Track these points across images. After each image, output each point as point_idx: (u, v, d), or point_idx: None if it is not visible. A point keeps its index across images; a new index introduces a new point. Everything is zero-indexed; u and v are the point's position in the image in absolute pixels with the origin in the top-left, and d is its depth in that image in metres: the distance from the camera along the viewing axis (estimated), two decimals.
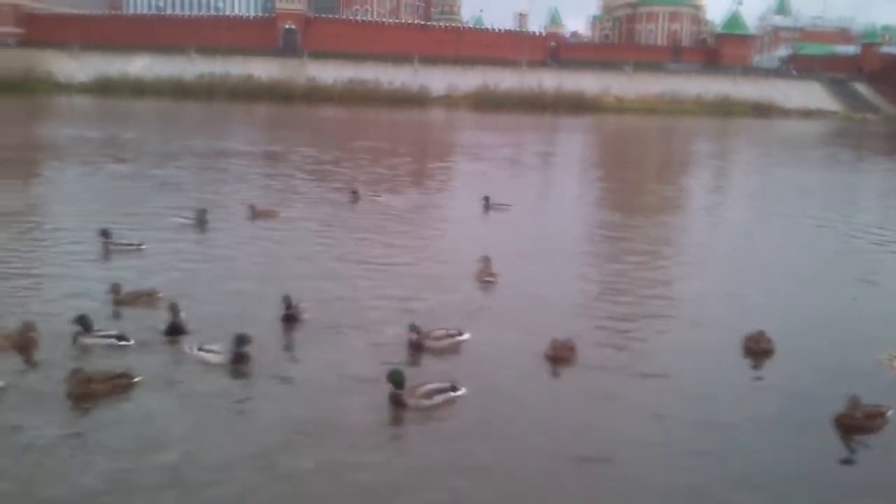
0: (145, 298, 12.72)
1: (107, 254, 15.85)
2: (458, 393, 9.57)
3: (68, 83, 79.16)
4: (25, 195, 23.40)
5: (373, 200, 23.12)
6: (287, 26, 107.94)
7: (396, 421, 9.11)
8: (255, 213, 19.80)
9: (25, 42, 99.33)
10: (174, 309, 11.40)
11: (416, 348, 11.21)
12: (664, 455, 8.56)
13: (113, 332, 10.95)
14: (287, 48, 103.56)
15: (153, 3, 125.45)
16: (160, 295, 12.76)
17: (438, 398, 9.43)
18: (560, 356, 10.90)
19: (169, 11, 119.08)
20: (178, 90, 78.69)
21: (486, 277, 15.01)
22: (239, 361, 10.21)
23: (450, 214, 22.38)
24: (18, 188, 24.66)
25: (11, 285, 13.53)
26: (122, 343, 10.80)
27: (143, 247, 16.26)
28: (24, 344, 10.52)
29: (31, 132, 42.58)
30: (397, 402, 9.27)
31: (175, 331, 11.26)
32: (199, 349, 10.43)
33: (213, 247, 16.99)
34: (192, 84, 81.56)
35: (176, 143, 38.55)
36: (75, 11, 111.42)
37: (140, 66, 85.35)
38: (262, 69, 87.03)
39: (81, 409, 9.12)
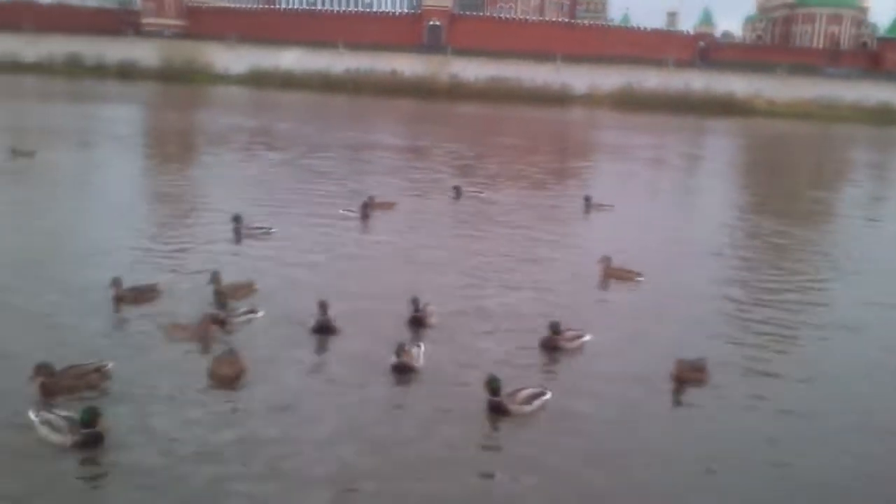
0: (244, 290, 12.71)
1: (238, 238, 16.44)
2: (548, 396, 9.41)
3: (225, 74, 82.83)
4: (184, 178, 24.75)
5: (476, 196, 23.06)
6: (432, 23, 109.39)
7: (495, 428, 9.01)
8: (371, 206, 19.78)
9: (187, 34, 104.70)
10: (323, 307, 11.32)
11: (550, 348, 11.18)
12: None
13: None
14: (431, 44, 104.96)
15: None
16: (256, 287, 12.84)
17: (536, 403, 9.29)
18: (687, 377, 10.33)
19: (320, 6, 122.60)
20: (326, 84, 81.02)
21: (621, 276, 14.95)
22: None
23: (557, 213, 22.15)
24: (179, 171, 26.11)
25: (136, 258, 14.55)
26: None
27: (273, 231, 16.87)
28: (202, 336, 10.84)
29: (192, 119, 44.90)
30: (497, 410, 9.10)
31: (323, 329, 11.25)
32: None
33: (336, 238, 17.33)
34: (338, 78, 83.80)
35: (325, 134, 39.80)
36: (233, 5, 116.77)
37: (291, 59, 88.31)
38: (407, 65, 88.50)
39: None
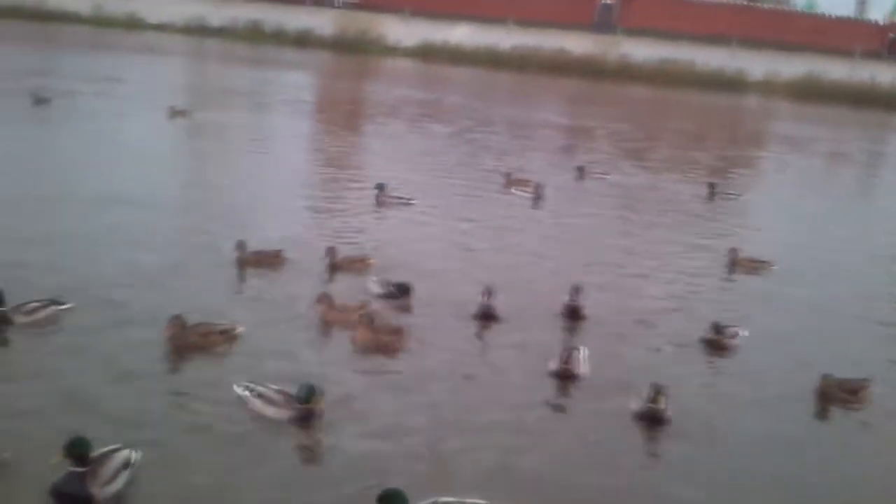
0: (358, 264, 12.80)
1: (380, 205, 17.11)
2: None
3: (395, 46, 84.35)
4: (348, 145, 25.65)
5: (600, 178, 22.57)
6: (605, 1, 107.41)
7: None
8: (508, 183, 20.22)
9: (363, 5, 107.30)
10: (488, 292, 11.08)
11: (715, 346, 10.88)
12: None
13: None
14: (602, 24, 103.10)
15: None
16: (371, 262, 12.90)
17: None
18: (836, 397, 9.52)
19: None
20: (493, 60, 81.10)
21: (752, 265, 14.66)
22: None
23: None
24: (344, 138, 27.01)
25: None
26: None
27: (413, 202, 17.39)
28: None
29: (361, 89, 46.13)
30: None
31: (486, 315, 11.11)
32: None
33: (476, 213, 17.60)
34: (506, 55, 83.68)
35: (490, 110, 40.00)
36: None
37: (461, 34, 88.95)
38: (575, 44, 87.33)
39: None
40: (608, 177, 22.94)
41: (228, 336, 9.80)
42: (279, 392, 8.26)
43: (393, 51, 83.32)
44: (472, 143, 28.01)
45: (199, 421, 8.04)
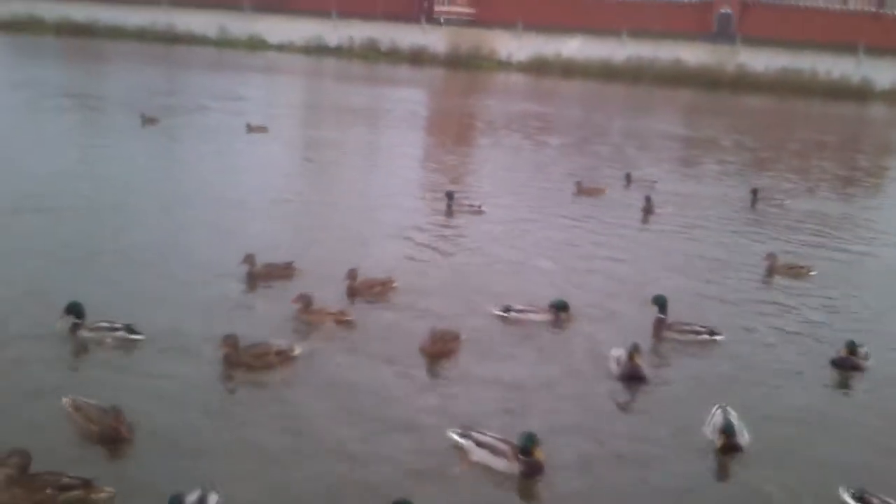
0: (378, 288, 12.20)
1: (450, 213, 17.35)
2: None
3: (507, 61, 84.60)
4: (466, 159, 25.85)
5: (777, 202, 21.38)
6: (723, 11, 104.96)
7: None
8: (579, 191, 20.18)
9: (475, 21, 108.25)
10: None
11: (845, 367, 10.36)
12: None
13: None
14: (720, 33, 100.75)
15: None
16: (394, 285, 12.29)
17: None
18: None
19: None
20: (606, 72, 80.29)
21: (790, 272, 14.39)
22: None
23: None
24: (462, 152, 27.23)
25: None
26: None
27: (483, 210, 17.56)
28: (442, 352, 10.20)
29: (477, 104, 46.39)
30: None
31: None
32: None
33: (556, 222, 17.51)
34: (619, 67, 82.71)
35: (608, 121, 39.63)
36: None
37: (573, 47, 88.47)
38: (691, 54, 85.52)
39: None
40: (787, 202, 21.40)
41: (284, 357, 9.60)
42: (503, 441, 7.78)
43: (505, 65, 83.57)
44: (589, 155, 27.90)
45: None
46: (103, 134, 25.18)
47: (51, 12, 76.36)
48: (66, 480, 6.88)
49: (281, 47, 75.57)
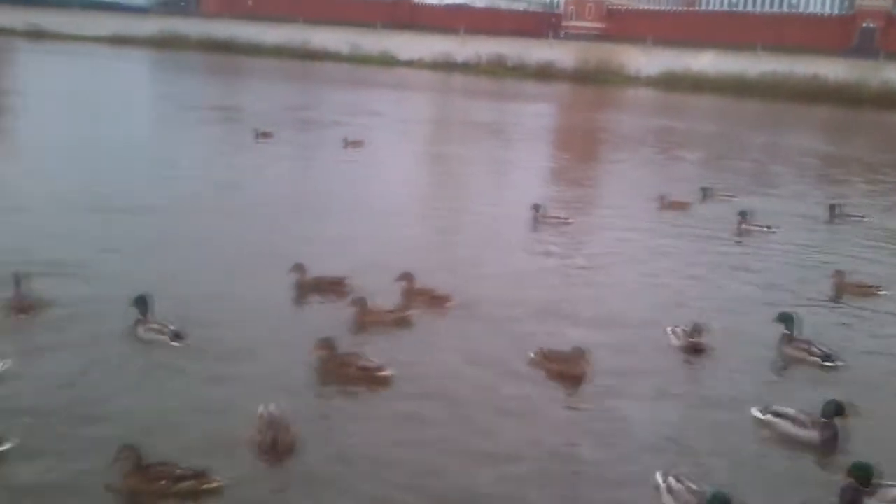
0: (427, 298, 11.72)
1: (537, 226, 17.10)
2: None
3: (636, 76, 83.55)
4: (595, 174, 25.57)
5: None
6: (866, 25, 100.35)
7: None
8: (663, 205, 19.59)
9: (604, 36, 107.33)
10: (697, 329, 10.41)
11: None
12: None
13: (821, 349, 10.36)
14: (861, 48, 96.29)
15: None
16: (450, 304, 11.68)
17: None
18: None
19: (741, 8, 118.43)
20: (739, 87, 78.13)
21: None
22: (830, 440, 8.11)
23: None
24: (591, 168, 26.97)
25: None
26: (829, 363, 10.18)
27: (570, 221, 17.32)
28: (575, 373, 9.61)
29: (606, 119, 45.95)
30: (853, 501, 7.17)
31: (695, 349, 10.45)
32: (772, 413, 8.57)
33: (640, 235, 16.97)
34: (754, 82, 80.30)
35: (740, 138, 38.51)
36: (651, 8, 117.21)
37: (705, 62, 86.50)
38: (830, 69, 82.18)
39: None
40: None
41: (368, 374, 9.21)
42: (802, 412, 8.29)
43: (633, 80, 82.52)
44: (726, 170, 27.15)
45: None
46: (236, 144, 26.08)
47: (194, 29, 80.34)
48: (178, 471, 7.06)
49: (410, 63, 77.04)
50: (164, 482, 6.97)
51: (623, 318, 11.66)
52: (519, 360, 9.90)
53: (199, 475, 7.06)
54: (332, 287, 11.95)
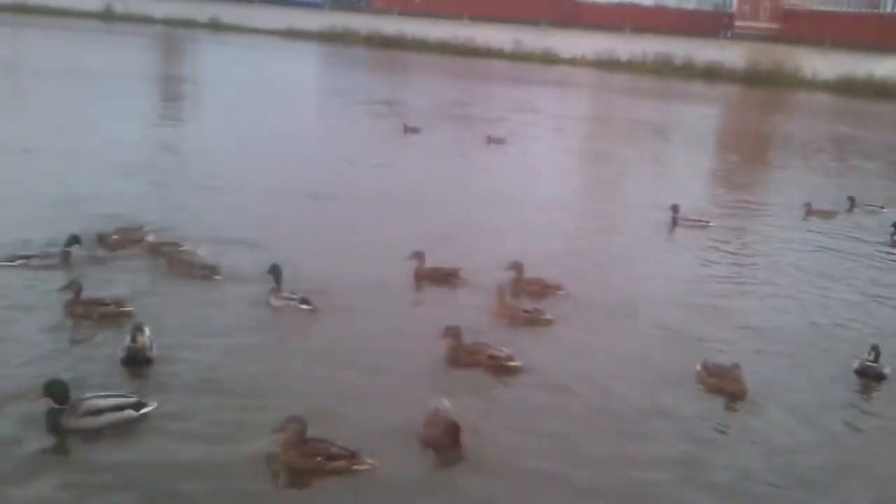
0: (538, 288, 11.99)
1: (673, 227, 16.78)
2: None
3: (812, 79, 79.30)
4: (761, 178, 24.44)
5: None
6: None
7: None
8: (809, 212, 19.00)
9: (778, 37, 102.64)
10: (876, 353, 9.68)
11: None
12: None
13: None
14: None
15: None
16: (561, 292, 11.98)
17: None
18: None
19: None
20: None
21: None
22: None
23: None
24: (756, 172, 25.74)
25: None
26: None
27: (709, 224, 16.88)
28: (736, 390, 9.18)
29: (779, 123, 43.84)
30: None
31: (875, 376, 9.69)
32: None
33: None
34: None
35: None
36: (831, 9, 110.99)
37: (889, 67, 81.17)
38: None
39: None
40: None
41: (496, 364, 9.34)
42: None
43: (808, 84, 78.33)
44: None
45: None
46: (387, 137, 26.62)
47: (363, 25, 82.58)
48: (334, 450, 7.26)
49: (572, 61, 76.16)
50: (319, 459, 7.21)
51: (773, 330, 11.27)
52: (672, 363, 9.79)
53: (352, 456, 7.26)
54: (447, 277, 12.19)
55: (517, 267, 12.10)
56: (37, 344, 9.08)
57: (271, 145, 23.58)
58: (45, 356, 8.78)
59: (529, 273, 12.18)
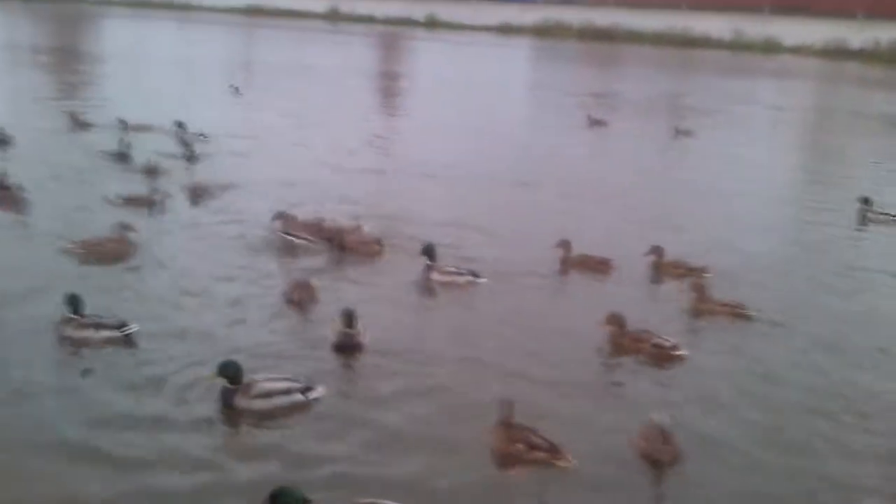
0: (684, 271, 11.96)
1: (863, 221, 15.90)
2: None
3: None
4: None
5: None
6: None
7: None
8: None
9: None
10: None
11: None
12: None
13: None
14: None
15: None
16: (707, 275, 11.73)
17: None
18: None
19: None
20: None
21: None
22: None
23: None
24: None
25: None
26: None
27: None
28: None
29: None
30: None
31: None
32: None
33: None
34: None
35: None
36: None
37: None
38: None
39: None
40: None
41: (664, 353, 9.29)
42: None
43: None
44: None
45: None
46: (597, 131, 26.75)
47: (577, 17, 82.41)
48: (536, 440, 7.15)
49: (796, 50, 72.29)
50: (521, 446, 7.15)
51: None
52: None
53: (554, 450, 7.09)
54: (597, 266, 12.31)
55: (658, 251, 12.26)
56: (260, 323, 9.93)
57: (479, 136, 24.81)
58: (264, 339, 9.45)
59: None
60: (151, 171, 16.62)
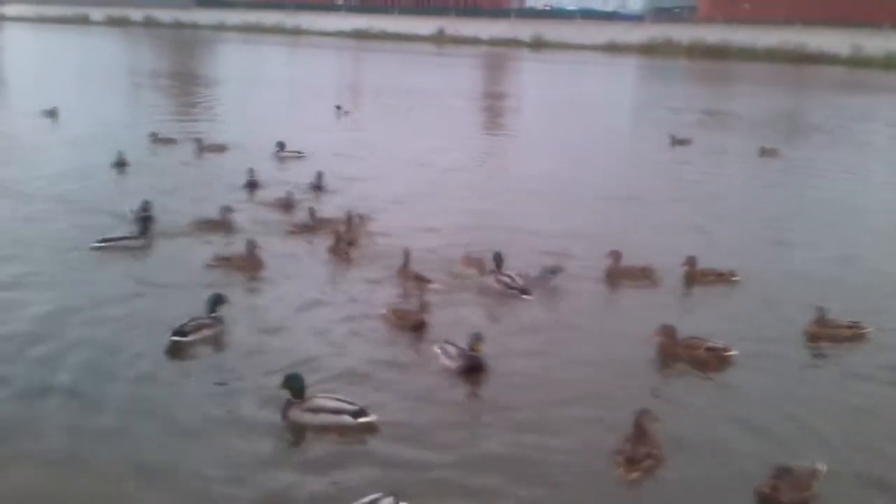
0: (713, 277, 12.27)
1: None
2: None
3: None
4: None
5: None
6: None
7: None
8: None
9: None
10: None
11: None
12: None
13: None
14: None
15: None
16: (734, 278, 12.26)
17: None
18: None
19: None
20: None
21: None
22: None
23: None
24: None
25: None
26: None
27: None
28: None
29: None
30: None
31: None
32: None
33: None
34: None
35: None
36: None
37: None
38: None
39: None
40: None
41: (716, 356, 9.55)
42: None
43: None
44: None
45: None
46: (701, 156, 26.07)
47: (686, 35, 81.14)
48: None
49: None
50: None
51: None
52: None
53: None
54: (642, 274, 12.42)
55: (691, 261, 12.33)
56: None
57: (581, 153, 24.98)
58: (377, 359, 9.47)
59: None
60: (286, 205, 15.96)
